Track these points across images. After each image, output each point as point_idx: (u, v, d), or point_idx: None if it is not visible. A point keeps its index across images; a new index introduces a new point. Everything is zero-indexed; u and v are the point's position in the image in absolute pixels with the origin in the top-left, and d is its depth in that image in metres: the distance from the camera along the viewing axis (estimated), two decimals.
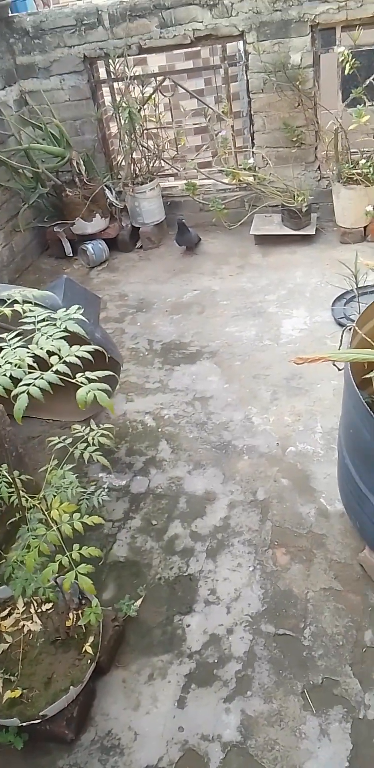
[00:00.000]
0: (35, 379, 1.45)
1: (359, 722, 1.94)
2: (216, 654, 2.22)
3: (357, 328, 2.37)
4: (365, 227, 4.80)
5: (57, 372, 1.38)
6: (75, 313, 1.66)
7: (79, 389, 1.32)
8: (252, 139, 5.20)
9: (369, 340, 2.36)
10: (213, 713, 2.05)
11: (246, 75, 4.99)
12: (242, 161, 5.22)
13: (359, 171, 4.65)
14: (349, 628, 2.19)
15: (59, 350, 1.43)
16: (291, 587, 2.37)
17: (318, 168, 5.14)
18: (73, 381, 1.37)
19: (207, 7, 4.77)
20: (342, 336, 2.45)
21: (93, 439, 2.07)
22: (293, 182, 4.97)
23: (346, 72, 4.52)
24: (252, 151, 5.17)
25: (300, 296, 4.28)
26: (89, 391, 1.29)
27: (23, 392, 1.42)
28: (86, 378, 1.36)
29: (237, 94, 6.37)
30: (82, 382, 1.34)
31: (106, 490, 3.01)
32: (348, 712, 1.97)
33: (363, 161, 4.60)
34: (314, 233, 4.92)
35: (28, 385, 1.44)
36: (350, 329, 2.41)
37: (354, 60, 4.48)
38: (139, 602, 2.45)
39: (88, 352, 1.44)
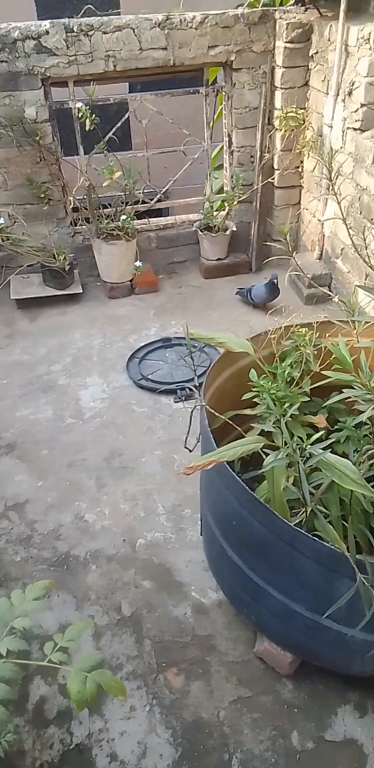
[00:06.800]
0: None
1: None
2: None
3: (209, 407, 2.23)
4: (131, 280, 4.74)
5: None
6: None
7: (69, 679, 0.83)
8: None
9: (219, 414, 2.25)
10: None
11: None
12: None
13: (119, 225, 4.58)
14: (275, 738, 2.00)
15: None
16: (199, 713, 2.08)
17: (71, 223, 4.91)
18: None
19: None
20: (191, 416, 2.25)
21: None
22: (49, 239, 4.65)
23: (87, 128, 4.40)
24: None
25: (87, 361, 3.98)
26: (86, 679, 0.81)
27: None
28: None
29: None
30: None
31: None
32: None
33: (124, 217, 4.54)
34: (81, 291, 4.67)
35: None
36: (201, 407, 2.26)
37: (94, 116, 4.40)
38: None
39: None
